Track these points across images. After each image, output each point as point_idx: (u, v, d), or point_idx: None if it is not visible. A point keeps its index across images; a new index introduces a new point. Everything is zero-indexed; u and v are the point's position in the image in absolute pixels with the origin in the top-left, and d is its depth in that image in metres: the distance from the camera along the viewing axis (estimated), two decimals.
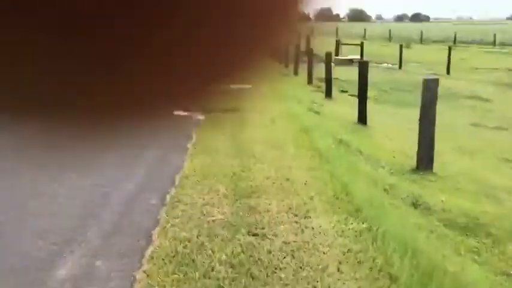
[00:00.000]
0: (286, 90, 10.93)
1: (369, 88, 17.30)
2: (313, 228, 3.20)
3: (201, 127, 6.26)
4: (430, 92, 6.43)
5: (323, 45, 32.07)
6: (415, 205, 4.58)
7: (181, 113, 7.48)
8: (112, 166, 4.52)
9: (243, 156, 4.82)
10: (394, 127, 10.64)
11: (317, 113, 9.04)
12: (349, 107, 11.72)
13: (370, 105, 13.27)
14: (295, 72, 18.89)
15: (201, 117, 7.17)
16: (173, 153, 5.02)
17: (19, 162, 3.50)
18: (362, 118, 9.42)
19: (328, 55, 12.74)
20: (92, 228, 3.15)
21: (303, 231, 3.15)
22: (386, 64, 28.07)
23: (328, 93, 12.53)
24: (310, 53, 16.25)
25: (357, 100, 13.65)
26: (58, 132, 0.32)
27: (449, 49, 24.56)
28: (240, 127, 6.26)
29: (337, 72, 21.83)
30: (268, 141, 5.58)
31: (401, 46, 26.12)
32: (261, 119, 6.90)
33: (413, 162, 6.56)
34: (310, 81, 15.92)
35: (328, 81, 12.53)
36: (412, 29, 66.04)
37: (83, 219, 3.29)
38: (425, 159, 6.57)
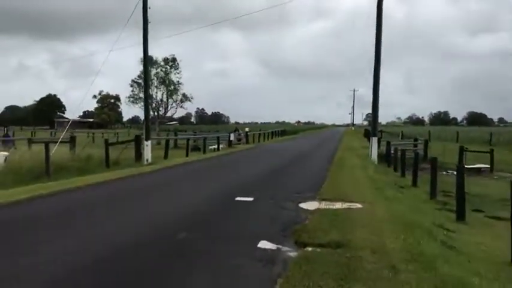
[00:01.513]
0: (406, 211, 8.68)
1: (508, 207, 14.05)
2: None
3: (289, 276, 4.39)
4: None
5: (443, 150, 28.95)
6: None
7: (268, 245, 5.75)
8: None
9: None
10: None
11: (452, 248, 6.63)
12: (491, 236, 8.95)
13: None
14: (414, 183, 16.38)
15: (292, 253, 5.34)
16: None
17: None
18: None
19: (461, 168, 10.30)
20: None
21: None
22: None
23: (461, 215, 9.91)
24: (434, 161, 13.81)
25: (500, 225, 10.78)
26: None
27: None
28: (346, 280, 4.26)
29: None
30: None
31: None
32: (376, 264, 4.83)
33: None
34: (433, 195, 13.30)
35: (461, 199, 9.97)
36: None
37: None
38: None
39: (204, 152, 27.81)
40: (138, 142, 19.99)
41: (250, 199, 9.14)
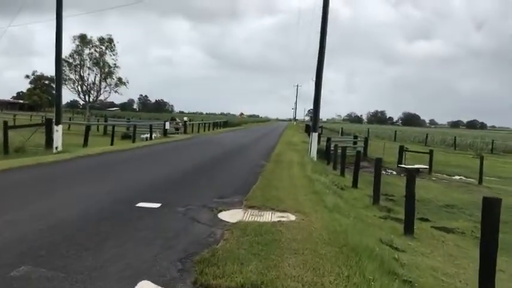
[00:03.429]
0: (349, 225, 7.05)
1: (453, 214, 13.04)
2: None
3: None
4: None
5: (383, 149, 28.32)
6: None
7: None
8: None
9: None
10: None
11: (408, 283, 5.06)
12: (445, 257, 7.59)
13: (468, 247, 9.07)
14: (355, 184, 15.08)
15: None
16: None
17: None
18: None
19: (412, 175, 8.89)
20: None
21: None
22: (459, 177, 23.66)
23: (409, 229, 8.49)
24: (378, 163, 12.49)
25: (450, 239, 9.55)
26: None
27: None
28: None
29: (402, 184, 17.80)
30: None
31: (481, 158, 21.77)
32: None
33: None
34: (376, 200, 11.97)
35: (410, 212, 8.55)
36: (471, 136, 61.14)
37: None
38: None
39: (134, 140, 25.26)
40: (49, 127, 17.20)
41: (156, 205, 7.10)
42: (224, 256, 4.62)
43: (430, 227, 10.23)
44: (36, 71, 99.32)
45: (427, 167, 23.88)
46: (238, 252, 4.79)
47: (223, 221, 6.43)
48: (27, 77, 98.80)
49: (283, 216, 6.83)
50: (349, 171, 18.83)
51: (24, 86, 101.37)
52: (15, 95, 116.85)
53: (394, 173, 23.23)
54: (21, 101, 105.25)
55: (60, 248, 4.74)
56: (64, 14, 16.21)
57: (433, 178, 22.23)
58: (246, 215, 6.90)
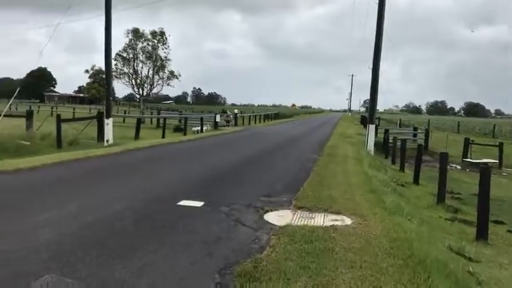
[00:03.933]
0: (413, 230, 6.16)
1: None
2: None
3: None
4: None
5: (445, 141, 26.48)
6: None
7: None
8: None
9: None
10: None
11: None
12: None
13: None
14: (416, 181, 13.95)
15: None
16: None
17: None
18: None
19: (486, 170, 7.83)
20: None
21: None
22: None
23: (482, 233, 7.45)
24: (444, 158, 11.35)
25: None
26: None
27: None
28: None
29: (468, 180, 16.35)
30: None
31: None
32: None
33: None
34: (441, 199, 10.86)
35: (484, 211, 7.51)
36: None
37: None
38: None
39: (185, 133, 25.28)
40: (101, 120, 17.40)
41: (199, 204, 6.61)
42: (268, 269, 4.00)
43: (506, 231, 9.05)
44: (94, 65, 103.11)
45: (497, 161, 21.94)
46: (285, 264, 4.15)
47: (270, 223, 5.81)
48: (87, 71, 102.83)
49: (337, 220, 6.10)
50: (409, 165, 17.64)
51: (85, 80, 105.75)
52: (76, 89, 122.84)
53: (459, 167, 21.60)
54: (82, 95, 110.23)
55: (90, 254, 4.32)
56: (118, 8, 16.28)
57: (504, 173, 20.38)
58: (295, 217, 6.24)
